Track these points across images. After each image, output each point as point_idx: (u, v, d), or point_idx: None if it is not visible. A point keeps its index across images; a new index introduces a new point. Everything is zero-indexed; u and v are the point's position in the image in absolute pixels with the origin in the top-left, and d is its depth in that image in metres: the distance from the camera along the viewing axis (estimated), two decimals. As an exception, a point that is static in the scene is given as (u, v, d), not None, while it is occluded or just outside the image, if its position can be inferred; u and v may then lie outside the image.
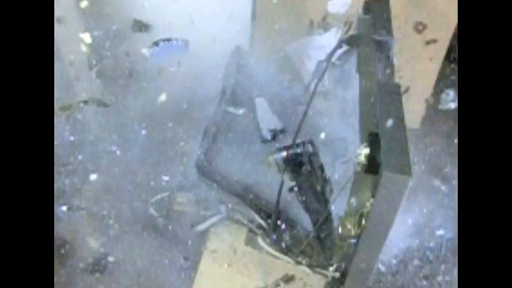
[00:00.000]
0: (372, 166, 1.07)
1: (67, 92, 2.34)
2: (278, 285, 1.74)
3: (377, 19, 1.45)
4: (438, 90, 2.49)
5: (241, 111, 1.68)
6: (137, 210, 2.13)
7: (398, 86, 1.20)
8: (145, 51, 2.30)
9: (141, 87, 2.45)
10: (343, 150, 1.69)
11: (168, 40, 2.27)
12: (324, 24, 2.21)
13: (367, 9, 1.54)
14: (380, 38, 1.39)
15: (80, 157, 2.29)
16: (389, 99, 1.16)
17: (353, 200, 1.17)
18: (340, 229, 1.20)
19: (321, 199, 1.36)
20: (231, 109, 1.67)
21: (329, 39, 2.15)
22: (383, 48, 1.40)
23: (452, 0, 2.06)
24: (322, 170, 1.33)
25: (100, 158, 2.29)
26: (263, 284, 1.74)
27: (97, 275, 1.96)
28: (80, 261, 1.98)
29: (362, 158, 1.08)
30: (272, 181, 1.52)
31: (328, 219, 1.42)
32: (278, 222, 1.58)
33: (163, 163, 2.25)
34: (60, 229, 2.05)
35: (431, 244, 2.12)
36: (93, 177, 2.24)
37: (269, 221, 1.59)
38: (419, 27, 2.20)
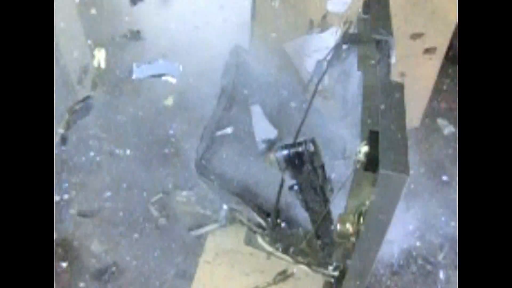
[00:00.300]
0: (372, 164, 1.07)
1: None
2: (276, 283, 1.74)
3: (376, 18, 1.45)
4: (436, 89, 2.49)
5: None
6: (137, 211, 2.14)
7: (400, 85, 1.20)
8: (135, 65, 2.30)
9: (140, 86, 2.45)
10: (342, 149, 1.69)
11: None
12: (324, 23, 2.21)
13: (366, 8, 1.54)
14: (379, 37, 1.39)
15: (80, 157, 2.29)
16: (391, 98, 1.16)
17: (352, 198, 1.17)
18: (338, 227, 1.19)
19: (321, 198, 1.36)
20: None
21: (329, 38, 2.16)
22: (382, 47, 1.40)
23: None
24: (323, 169, 1.33)
25: (99, 159, 2.30)
26: (261, 282, 1.75)
27: (103, 281, 1.96)
28: (85, 266, 1.98)
29: (362, 156, 1.08)
30: (271, 180, 1.52)
31: (327, 218, 1.42)
32: (278, 221, 1.58)
33: (162, 163, 2.26)
34: (63, 232, 2.06)
35: (431, 245, 2.13)
36: (92, 177, 2.24)
37: (268, 220, 1.59)
38: (415, 36, 2.22)
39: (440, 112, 2.62)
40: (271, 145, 1.69)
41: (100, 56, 2.30)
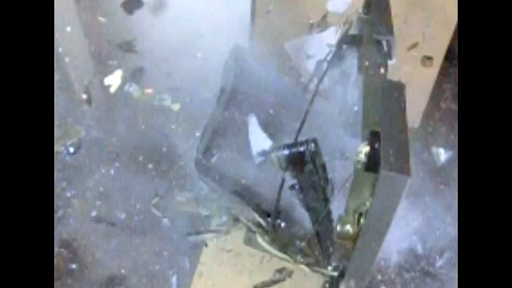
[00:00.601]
0: (372, 165, 1.07)
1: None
2: (275, 283, 1.74)
3: (377, 18, 1.44)
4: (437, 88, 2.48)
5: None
6: (137, 212, 2.14)
7: (401, 85, 1.19)
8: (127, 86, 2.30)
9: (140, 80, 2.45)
10: (341, 149, 1.69)
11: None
12: (324, 23, 2.21)
13: (367, 8, 1.54)
14: (380, 37, 1.39)
15: (79, 158, 2.29)
16: (391, 98, 1.16)
17: (352, 199, 1.16)
18: (338, 228, 1.19)
19: (322, 198, 1.36)
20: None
21: (329, 38, 2.15)
22: (383, 48, 1.40)
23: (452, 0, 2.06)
24: (324, 169, 1.33)
25: (99, 159, 2.29)
26: (261, 282, 1.75)
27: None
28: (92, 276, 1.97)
29: (362, 156, 1.08)
30: (271, 179, 1.52)
31: (327, 218, 1.42)
32: (278, 221, 1.58)
33: (162, 163, 2.25)
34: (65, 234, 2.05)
35: (432, 246, 2.12)
36: (92, 178, 2.24)
37: (268, 219, 1.59)
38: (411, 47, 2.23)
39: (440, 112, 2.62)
40: (267, 156, 1.69)
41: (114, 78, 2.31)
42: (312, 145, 1.25)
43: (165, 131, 2.35)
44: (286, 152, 1.26)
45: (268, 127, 1.81)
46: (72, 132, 2.29)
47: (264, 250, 1.74)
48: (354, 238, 1.19)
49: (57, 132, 2.23)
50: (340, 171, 1.51)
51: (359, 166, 1.09)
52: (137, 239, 2.06)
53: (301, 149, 1.25)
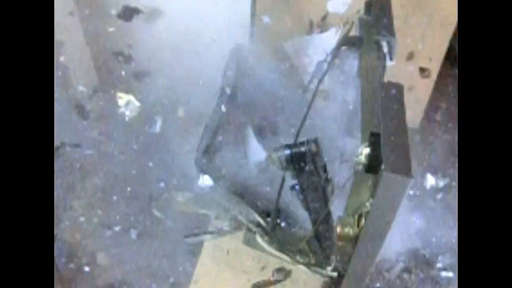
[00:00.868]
0: (373, 166, 1.07)
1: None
2: (274, 283, 1.74)
3: (378, 19, 1.44)
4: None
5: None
6: (136, 213, 2.14)
7: (400, 86, 1.19)
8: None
9: (141, 85, 2.45)
10: (341, 150, 1.69)
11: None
12: (324, 23, 2.20)
13: (368, 9, 1.54)
14: (382, 38, 1.38)
15: (79, 158, 2.29)
16: (391, 99, 1.16)
17: (352, 200, 1.16)
18: (338, 229, 1.19)
19: (322, 198, 1.36)
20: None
21: (329, 39, 2.15)
22: (384, 49, 1.40)
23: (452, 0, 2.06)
24: (325, 170, 1.32)
25: (99, 160, 2.29)
26: (260, 282, 1.74)
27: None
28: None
29: (363, 158, 1.08)
30: (272, 179, 1.52)
31: (327, 218, 1.41)
32: (278, 221, 1.58)
33: (162, 162, 2.25)
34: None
35: (432, 247, 2.13)
36: (92, 179, 2.24)
37: (268, 219, 1.59)
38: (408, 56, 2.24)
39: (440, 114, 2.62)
40: (263, 168, 1.69)
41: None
42: (313, 145, 1.24)
43: (165, 131, 2.35)
44: (287, 152, 1.26)
45: (268, 127, 1.81)
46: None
47: (264, 250, 1.73)
48: (354, 240, 1.19)
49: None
50: (339, 172, 1.51)
51: (360, 167, 1.08)
52: (137, 239, 2.07)
53: (302, 149, 1.25)
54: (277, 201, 1.48)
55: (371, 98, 1.26)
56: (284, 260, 1.71)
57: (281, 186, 1.42)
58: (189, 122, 2.29)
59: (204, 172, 1.62)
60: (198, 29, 2.22)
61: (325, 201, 1.35)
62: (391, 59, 1.43)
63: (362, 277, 1.27)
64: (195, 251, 1.94)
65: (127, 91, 2.38)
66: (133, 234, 2.08)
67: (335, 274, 1.52)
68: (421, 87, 2.41)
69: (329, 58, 1.59)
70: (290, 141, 1.30)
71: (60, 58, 2.28)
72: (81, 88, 2.43)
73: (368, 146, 1.09)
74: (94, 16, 2.31)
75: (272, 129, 1.81)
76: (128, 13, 2.24)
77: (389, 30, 1.39)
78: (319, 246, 1.53)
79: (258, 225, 1.68)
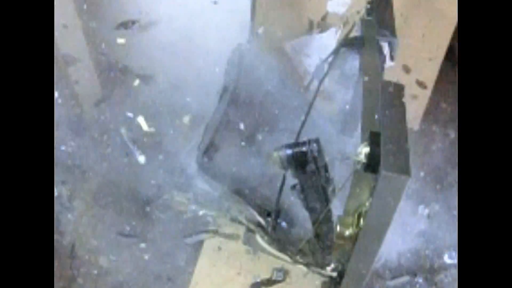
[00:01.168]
0: (372, 165, 1.07)
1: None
2: (274, 283, 1.74)
3: (380, 20, 1.45)
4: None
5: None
6: (137, 212, 2.14)
7: (400, 86, 1.20)
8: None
9: (140, 85, 2.45)
10: (340, 149, 1.69)
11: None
12: (324, 23, 2.21)
13: (370, 10, 1.54)
14: (384, 39, 1.39)
15: (78, 159, 2.29)
16: (391, 99, 1.16)
17: (352, 199, 1.16)
18: (338, 228, 1.19)
19: (323, 198, 1.36)
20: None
21: (329, 39, 2.16)
22: (385, 49, 1.40)
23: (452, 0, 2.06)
24: (326, 169, 1.33)
25: (99, 160, 2.29)
26: (260, 282, 1.75)
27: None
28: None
29: (362, 157, 1.08)
30: (272, 178, 1.52)
31: (328, 218, 1.42)
32: (278, 220, 1.58)
33: (163, 161, 2.25)
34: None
35: (433, 248, 2.12)
36: (92, 180, 2.24)
37: (268, 219, 1.59)
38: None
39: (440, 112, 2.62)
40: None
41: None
42: (315, 145, 1.24)
43: (165, 131, 2.35)
44: (288, 151, 1.26)
45: (269, 126, 1.81)
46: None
47: (263, 250, 1.73)
48: (353, 239, 1.19)
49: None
50: (339, 172, 1.51)
51: (359, 166, 1.09)
52: (137, 240, 2.06)
53: (304, 149, 1.25)
54: (277, 200, 1.48)
55: (371, 98, 1.26)
56: (284, 260, 1.71)
57: (282, 185, 1.42)
58: (189, 122, 2.29)
59: (205, 170, 1.62)
60: (198, 30, 2.23)
61: (326, 201, 1.35)
62: (392, 59, 1.44)
63: (362, 276, 1.27)
64: (194, 251, 1.94)
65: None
66: (134, 234, 2.08)
67: (335, 274, 1.52)
68: (421, 86, 2.41)
69: (330, 59, 1.59)
70: (291, 140, 1.31)
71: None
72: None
73: (367, 146, 1.09)
74: (98, 28, 2.33)
75: (273, 129, 1.82)
76: (126, 24, 2.27)
77: (391, 31, 1.39)
78: (319, 246, 1.53)
79: (258, 224, 1.68)
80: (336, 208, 1.36)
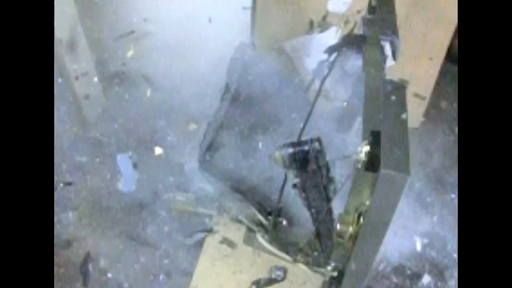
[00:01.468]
0: (373, 164, 1.07)
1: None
2: (275, 282, 1.74)
3: (382, 19, 1.45)
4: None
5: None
6: (136, 214, 2.14)
7: (402, 85, 1.20)
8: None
9: (141, 85, 2.45)
10: (342, 149, 1.69)
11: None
12: (324, 23, 2.21)
13: (372, 9, 1.54)
14: (386, 38, 1.39)
15: (79, 159, 2.29)
16: (392, 98, 1.16)
17: (352, 198, 1.16)
18: (338, 227, 1.19)
19: (324, 197, 1.36)
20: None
21: (329, 38, 2.16)
22: (386, 49, 1.40)
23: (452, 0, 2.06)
24: (328, 169, 1.33)
25: (98, 161, 2.29)
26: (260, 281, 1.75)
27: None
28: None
29: (363, 156, 1.08)
30: (273, 178, 1.52)
31: (329, 217, 1.42)
32: (279, 219, 1.58)
33: (163, 161, 2.26)
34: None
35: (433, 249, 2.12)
36: (92, 180, 2.24)
37: (269, 218, 1.59)
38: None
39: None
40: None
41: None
42: (316, 144, 1.24)
43: (165, 131, 2.36)
44: (290, 150, 1.26)
45: (270, 125, 1.81)
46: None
47: (264, 249, 1.74)
48: (354, 238, 1.19)
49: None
50: (340, 171, 1.51)
51: (359, 165, 1.09)
52: (138, 240, 2.07)
53: (305, 148, 1.25)
54: (278, 199, 1.48)
55: (373, 97, 1.26)
56: (285, 259, 1.71)
57: (283, 184, 1.42)
58: (192, 119, 2.29)
59: (206, 169, 1.63)
60: (199, 28, 2.23)
61: (327, 200, 1.35)
62: (394, 59, 1.44)
63: (362, 275, 1.27)
64: (195, 251, 1.94)
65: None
66: (134, 234, 2.08)
67: (335, 273, 1.52)
68: (421, 87, 2.42)
69: (331, 58, 1.59)
70: (293, 139, 1.31)
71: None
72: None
73: (368, 144, 1.09)
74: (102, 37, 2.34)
75: (274, 128, 1.82)
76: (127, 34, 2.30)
77: (393, 30, 1.39)
78: (319, 245, 1.53)
79: (259, 224, 1.68)
80: (337, 207, 1.36)
